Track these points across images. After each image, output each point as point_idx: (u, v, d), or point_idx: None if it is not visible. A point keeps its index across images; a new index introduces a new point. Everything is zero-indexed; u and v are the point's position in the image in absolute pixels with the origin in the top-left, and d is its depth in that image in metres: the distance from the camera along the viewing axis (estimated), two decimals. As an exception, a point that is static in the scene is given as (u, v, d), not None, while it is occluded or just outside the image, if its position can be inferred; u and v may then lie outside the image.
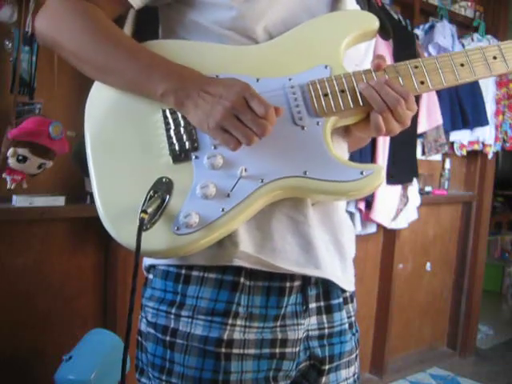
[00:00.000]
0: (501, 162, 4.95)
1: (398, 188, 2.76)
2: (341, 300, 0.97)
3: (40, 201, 1.80)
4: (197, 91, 0.78)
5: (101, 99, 0.88)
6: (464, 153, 3.27)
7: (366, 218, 2.69)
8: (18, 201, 1.77)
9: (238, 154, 0.81)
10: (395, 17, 2.64)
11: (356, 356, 1.00)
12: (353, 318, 1.01)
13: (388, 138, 2.59)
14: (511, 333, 4.02)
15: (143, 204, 0.79)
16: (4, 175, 1.71)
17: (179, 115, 0.83)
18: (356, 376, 1.01)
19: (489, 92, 3.18)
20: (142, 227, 0.77)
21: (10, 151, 1.65)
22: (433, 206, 3.26)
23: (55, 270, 1.95)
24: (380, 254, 3.06)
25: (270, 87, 0.84)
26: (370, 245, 2.97)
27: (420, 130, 2.84)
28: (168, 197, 0.81)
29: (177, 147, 0.83)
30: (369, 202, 2.62)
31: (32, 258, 1.90)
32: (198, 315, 0.84)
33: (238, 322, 0.85)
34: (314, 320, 0.93)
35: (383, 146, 2.57)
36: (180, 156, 0.83)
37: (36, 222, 1.88)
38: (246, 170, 0.81)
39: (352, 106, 0.84)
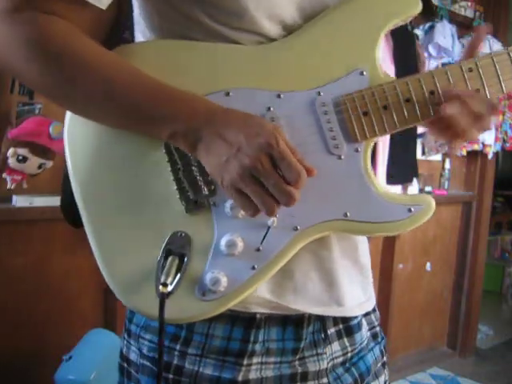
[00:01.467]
0: (501, 162, 4.94)
1: (398, 188, 2.76)
2: (360, 318, 0.87)
3: (40, 201, 1.80)
4: (211, 135, 0.62)
5: (84, 133, 0.71)
6: (464, 153, 3.27)
7: (366, 218, 2.69)
8: (18, 201, 1.77)
9: None
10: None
11: (383, 364, 0.92)
12: (377, 328, 0.92)
13: (388, 138, 2.59)
14: (511, 333, 4.02)
15: (159, 270, 0.67)
16: (4, 175, 1.71)
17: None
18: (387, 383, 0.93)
19: (489, 92, 3.18)
20: (164, 304, 0.65)
21: (10, 151, 1.65)
22: (433, 206, 3.26)
23: (55, 270, 1.95)
24: (380, 254, 3.06)
25: (295, 105, 0.68)
26: (370, 245, 2.97)
27: (420, 130, 2.84)
28: (187, 256, 0.68)
29: (190, 194, 0.68)
30: (369, 202, 2.61)
31: (32, 258, 1.90)
32: (208, 354, 0.73)
33: (255, 361, 0.75)
34: (336, 346, 0.83)
35: (383, 146, 2.57)
36: (195, 204, 0.68)
37: (36, 222, 1.88)
38: (277, 217, 0.67)
39: (398, 126, 0.70)
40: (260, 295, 0.73)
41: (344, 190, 0.69)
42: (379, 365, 0.90)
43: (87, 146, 0.71)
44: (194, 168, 0.68)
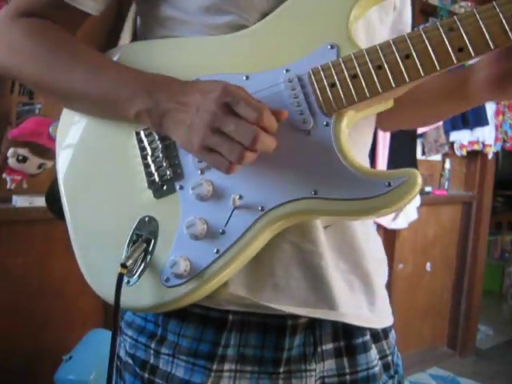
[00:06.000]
0: (501, 162, 4.94)
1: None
2: (367, 338, 0.77)
3: (40, 201, 1.80)
4: (171, 105, 0.63)
5: (71, 128, 0.75)
6: (464, 153, 3.27)
7: (366, 218, 2.69)
8: (18, 201, 1.77)
9: (230, 179, 0.63)
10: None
11: None
12: (389, 358, 0.80)
13: (388, 138, 2.59)
14: (511, 333, 4.02)
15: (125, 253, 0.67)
16: (4, 175, 1.71)
17: (156, 136, 0.69)
18: None
19: (489, 92, 3.18)
20: (121, 284, 0.65)
21: (10, 151, 1.65)
22: (433, 206, 3.26)
23: (55, 270, 1.95)
24: (380, 254, 3.05)
25: (262, 84, 0.65)
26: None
27: (420, 130, 2.84)
28: (153, 240, 0.67)
29: (156, 178, 0.68)
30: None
31: (32, 258, 1.90)
32: (179, 355, 0.71)
33: (226, 367, 0.70)
34: (331, 364, 0.74)
35: (383, 145, 2.58)
36: (162, 188, 0.68)
37: (36, 222, 1.88)
38: (240, 197, 0.64)
39: (368, 95, 0.62)
40: (233, 292, 0.68)
41: (313, 166, 0.64)
42: None
43: (71, 139, 0.75)
44: (160, 153, 0.68)
